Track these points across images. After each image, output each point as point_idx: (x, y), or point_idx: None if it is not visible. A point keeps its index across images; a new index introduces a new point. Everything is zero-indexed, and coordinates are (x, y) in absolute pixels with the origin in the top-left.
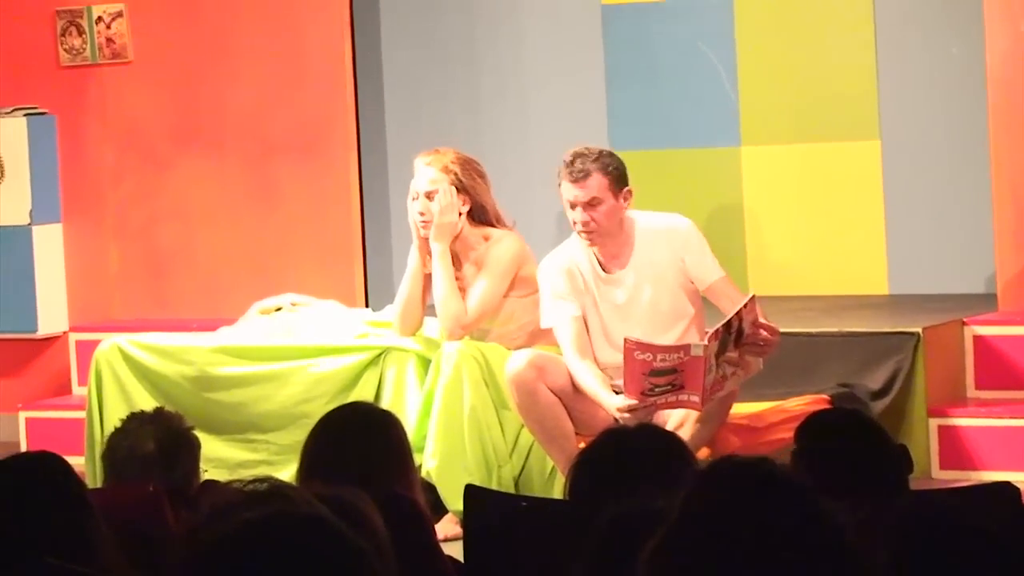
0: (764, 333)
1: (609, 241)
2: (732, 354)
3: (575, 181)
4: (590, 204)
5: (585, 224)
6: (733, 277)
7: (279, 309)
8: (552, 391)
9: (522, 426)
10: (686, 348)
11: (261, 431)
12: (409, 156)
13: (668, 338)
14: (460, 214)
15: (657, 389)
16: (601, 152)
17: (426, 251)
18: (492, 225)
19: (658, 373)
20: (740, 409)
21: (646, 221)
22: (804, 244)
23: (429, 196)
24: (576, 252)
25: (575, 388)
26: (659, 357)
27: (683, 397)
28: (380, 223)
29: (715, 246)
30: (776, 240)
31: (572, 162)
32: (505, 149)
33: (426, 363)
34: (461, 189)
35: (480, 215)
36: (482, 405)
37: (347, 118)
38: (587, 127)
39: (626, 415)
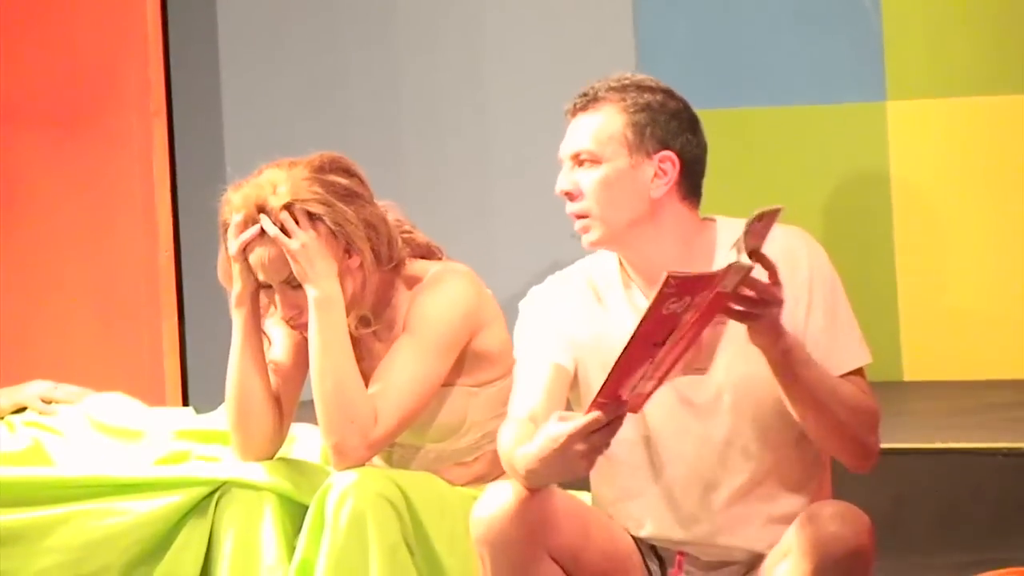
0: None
1: (640, 245)
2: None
3: (572, 113)
4: (581, 160)
5: (570, 197)
6: (879, 275)
7: (21, 410)
8: (559, 562)
9: None
10: (726, 270)
11: None
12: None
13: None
14: (352, 274)
15: (645, 373)
16: (642, 81)
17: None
18: (412, 257)
19: (667, 338)
20: None
21: (739, 230)
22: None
23: (292, 282)
24: (601, 270)
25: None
26: (696, 300)
27: (643, 388)
28: (205, 261)
29: (853, 232)
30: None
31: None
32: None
33: (295, 510)
34: (335, 239)
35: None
36: None
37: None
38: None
39: (593, 436)
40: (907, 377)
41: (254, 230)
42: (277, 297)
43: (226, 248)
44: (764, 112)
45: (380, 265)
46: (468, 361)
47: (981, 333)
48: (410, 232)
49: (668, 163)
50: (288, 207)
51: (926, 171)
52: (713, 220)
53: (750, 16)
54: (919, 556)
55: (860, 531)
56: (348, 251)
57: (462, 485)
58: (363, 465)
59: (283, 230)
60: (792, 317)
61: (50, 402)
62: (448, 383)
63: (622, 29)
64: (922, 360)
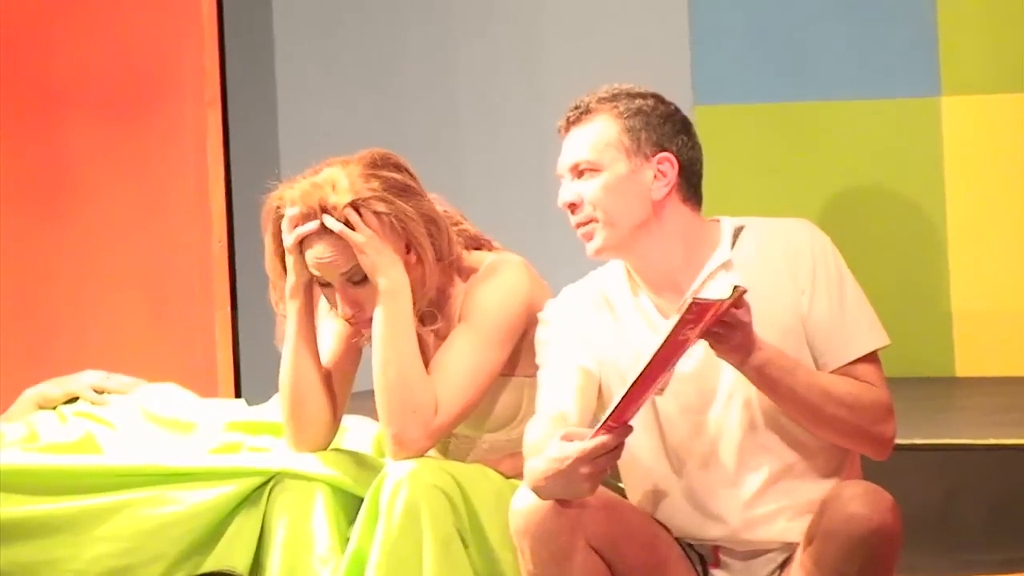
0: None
1: (644, 250)
2: None
3: (565, 128)
4: (579, 171)
5: (572, 208)
6: (932, 270)
7: (73, 400)
8: (599, 552)
9: None
10: (733, 295)
11: None
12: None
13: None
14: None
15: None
16: (630, 89)
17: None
18: (467, 248)
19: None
20: None
21: (745, 229)
22: None
23: (353, 281)
24: (610, 281)
25: (647, 548)
26: (703, 323)
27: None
28: (258, 252)
29: (907, 228)
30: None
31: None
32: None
33: (347, 501)
34: (396, 236)
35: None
36: None
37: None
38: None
39: (600, 459)
40: (959, 373)
41: (312, 226)
42: (337, 296)
43: (273, 240)
44: (818, 106)
45: (439, 260)
46: (524, 351)
47: None
48: (460, 223)
49: (667, 164)
50: (352, 205)
51: (980, 167)
52: (717, 220)
53: (805, 10)
54: (969, 552)
55: (883, 510)
56: (408, 247)
57: (513, 476)
58: (421, 456)
59: (347, 224)
60: (797, 308)
61: (102, 392)
62: (505, 373)
63: (677, 23)
64: (975, 356)
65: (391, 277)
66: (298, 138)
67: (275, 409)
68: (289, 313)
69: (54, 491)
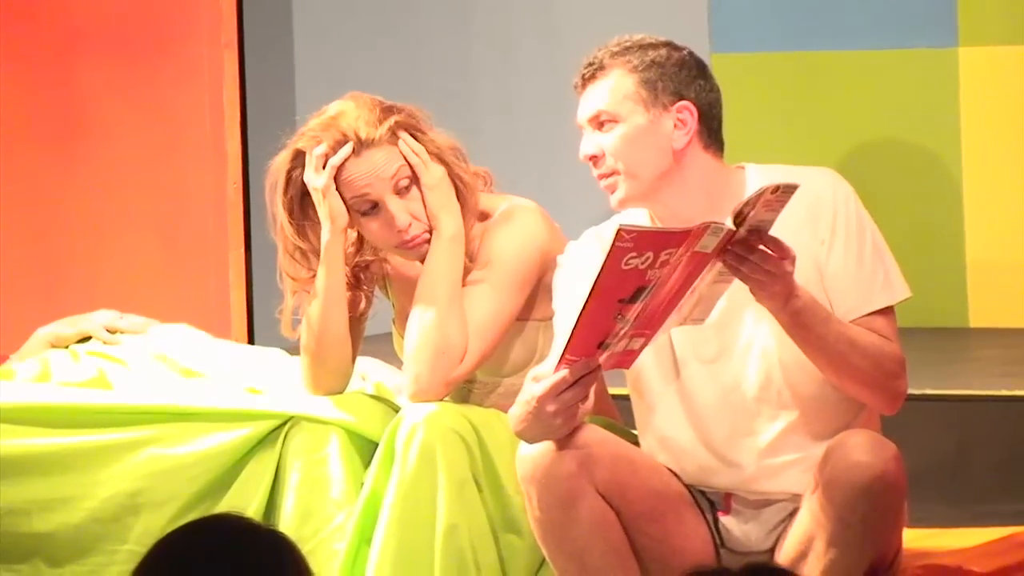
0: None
1: (667, 199)
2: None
3: (581, 85)
4: (599, 123)
5: (594, 161)
6: (947, 221)
7: (87, 339)
8: (606, 498)
9: (542, 563)
10: (701, 229)
11: (53, 562)
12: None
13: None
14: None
15: (620, 332)
16: (642, 40)
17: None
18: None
19: (637, 294)
20: (946, 541)
21: (768, 176)
22: None
23: (400, 189)
24: (631, 223)
25: (655, 495)
26: (661, 257)
27: (632, 345)
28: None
29: (922, 179)
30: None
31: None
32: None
33: (362, 445)
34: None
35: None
36: (470, 523)
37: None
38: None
39: (563, 394)
40: (973, 324)
41: (347, 150)
42: (392, 208)
43: (290, 204)
44: (834, 56)
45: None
46: (540, 295)
47: None
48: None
49: (686, 112)
50: (393, 129)
51: (997, 119)
52: (742, 167)
53: None
54: (981, 503)
55: (886, 458)
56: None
57: None
58: (437, 400)
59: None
60: (816, 258)
61: (115, 332)
62: (521, 318)
63: None
64: (988, 307)
65: (455, 222)
66: (314, 81)
67: (277, 358)
68: (325, 261)
69: (69, 425)
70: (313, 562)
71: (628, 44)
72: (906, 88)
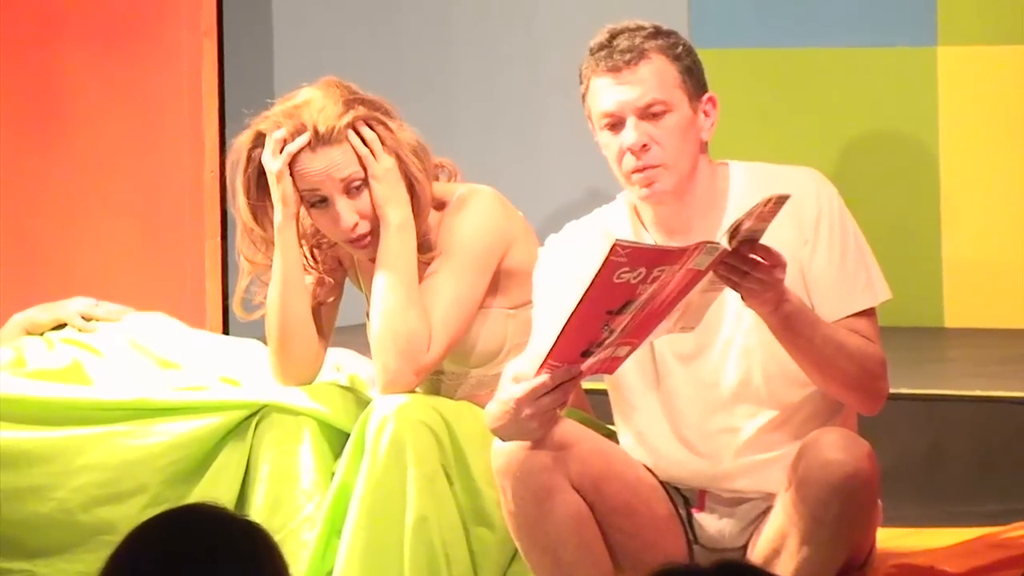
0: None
1: (685, 192)
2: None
3: (616, 70)
4: (649, 112)
5: (644, 151)
6: (924, 220)
7: (61, 326)
8: (580, 492)
9: (514, 557)
10: (695, 248)
11: (24, 555)
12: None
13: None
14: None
15: (605, 341)
16: (660, 26)
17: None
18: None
19: (626, 306)
20: (919, 541)
21: (752, 175)
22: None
23: (350, 189)
24: (613, 221)
25: (629, 489)
26: (653, 272)
27: (617, 352)
28: None
29: (900, 177)
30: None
31: (611, 40)
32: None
33: (333, 435)
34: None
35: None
36: (440, 516)
37: None
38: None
39: (542, 399)
40: (948, 324)
41: (304, 139)
42: (339, 207)
43: (247, 182)
44: (814, 53)
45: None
46: (502, 280)
47: None
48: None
49: (710, 104)
50: (352, 124)
51: (975, 119)
52: (725, 164)
53: None
54: (955, 503)
55: (860, 456)
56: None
57: None
58: (409, 391)
59: (352, 129)
60: (799, 258)
61: (90, 319)
62: (484, 305)
63: None
64: (964, 307)
65: (402, 211)
66: (293, 68)
67: (252, 347)
68: (279, 242)
69: (40, 421)
70: (283, 552)
71: (652, 30)
72: (885, 86)
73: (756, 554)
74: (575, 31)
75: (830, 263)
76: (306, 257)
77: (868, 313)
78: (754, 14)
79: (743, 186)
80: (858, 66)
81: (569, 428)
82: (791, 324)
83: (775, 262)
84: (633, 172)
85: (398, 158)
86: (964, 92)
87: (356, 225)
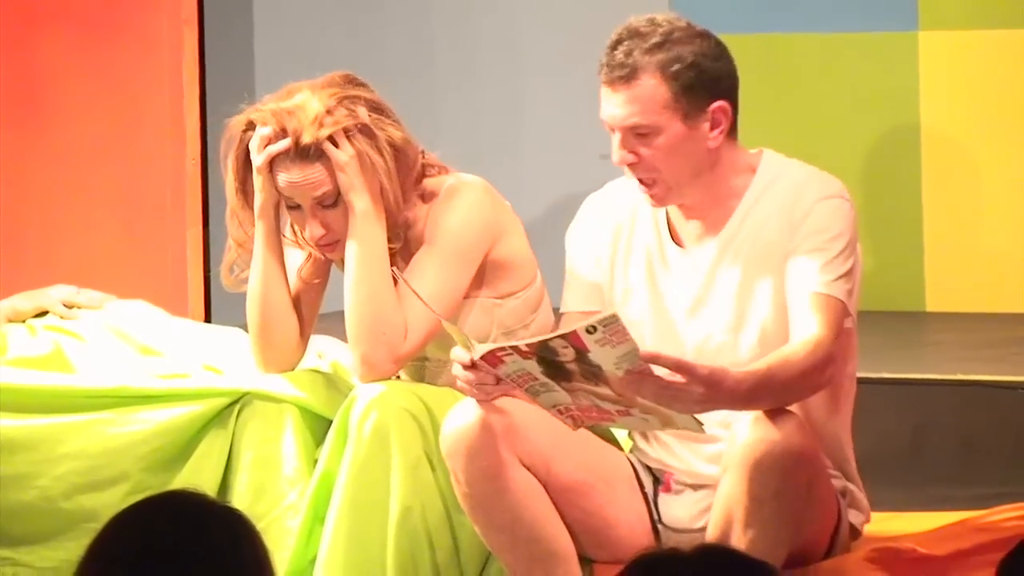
0: (661, 374)
1: (692, 193)
2: (598, 389)
3: (611, 83)
4: (636, 132)
5: (632, 167)
6: (905, 204)
7: (43, 314)
8: (531, 469)
9: None
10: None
11: (6, 543)
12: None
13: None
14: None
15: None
16: (672, 31)
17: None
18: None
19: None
20: (901, 525)
21: (778, 172)
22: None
23: (323, 204)
24: (631, 196)
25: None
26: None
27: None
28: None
29: (881, 162)
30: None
31: (614, 47)
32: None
33: (316, 423)
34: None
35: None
36: (424, 504)
37: None
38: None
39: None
40: (930, 308)
41: (283, 144)
42: (308, 219)
43: (237, 164)
44: (794, 38)
45: (405, 184)
46: (488, 271)
47: (1006, 265)
48: (423, 150)
49: (720, 113)
50: (331, 138)
51: (956, 103)
52: (760, 152)
53: None
54: (938, 487)
55: (788, 431)
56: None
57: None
58: (389, 379)
59: (331, 140)
60: (782, 240)
61: (72, 307)
62: (470, 295)
63: None
64: (945, 291)
65: (365, 199)
66: (274, 58)
67: (234, 336)
68: (257, 233)
69: (22, 409)
70: (267, 540)
71: (659, 40)
72: (866, 71)
73: (708, 538)
74: (556, 19)
75: (810, 243)
76: (295, 234)
77: (831, 300)
78: (734, 0)
79: (767, 180)
80: (840, 51)
81: (517, 409)
82: (737, 406)
83: (690, 375)
84: (636, 181)
85: (365, 164)
86: (945, 77)
87: (322, 236)
